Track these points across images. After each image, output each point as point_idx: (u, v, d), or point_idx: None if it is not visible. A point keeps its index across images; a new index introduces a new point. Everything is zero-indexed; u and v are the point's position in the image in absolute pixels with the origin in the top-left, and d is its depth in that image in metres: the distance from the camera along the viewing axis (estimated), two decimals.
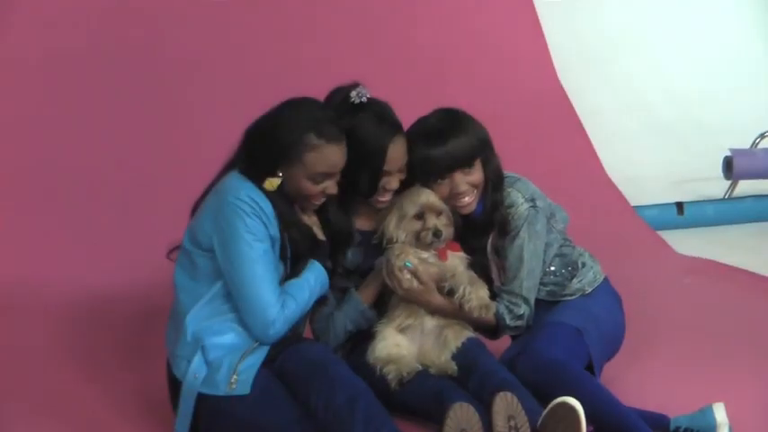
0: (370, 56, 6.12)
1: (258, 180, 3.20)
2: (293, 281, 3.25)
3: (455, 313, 3.42)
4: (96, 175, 5.38)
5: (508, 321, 3.46)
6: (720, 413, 3.18)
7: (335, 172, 3.27)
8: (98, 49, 5.64)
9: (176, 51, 5.78)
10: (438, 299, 3.42)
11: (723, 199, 6.58)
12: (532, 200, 3.46)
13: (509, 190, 3.49)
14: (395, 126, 3.43)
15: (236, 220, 3.13)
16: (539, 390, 3.16)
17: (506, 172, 3.56)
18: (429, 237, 3.39)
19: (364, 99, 3.40)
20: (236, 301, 3.18)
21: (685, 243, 5.80)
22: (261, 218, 3.14)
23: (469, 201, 3.47)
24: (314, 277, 3.28)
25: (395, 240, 3.42)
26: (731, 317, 4.52)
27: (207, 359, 3.16)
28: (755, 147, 6.72)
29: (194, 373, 3.15)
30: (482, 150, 3.46)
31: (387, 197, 3.47)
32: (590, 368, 3.37)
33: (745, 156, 6.51)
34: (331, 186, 3.27)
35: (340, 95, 3.44)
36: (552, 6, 7.18)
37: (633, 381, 3.68)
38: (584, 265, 3.62)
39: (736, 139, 6.74)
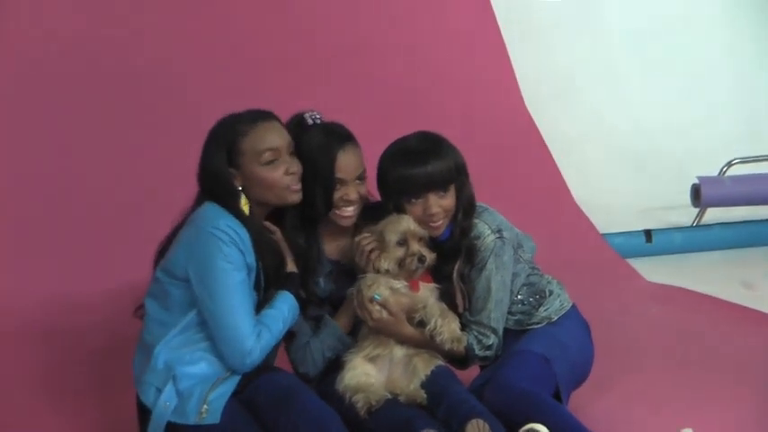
0: (335, 83, 6.13)
1: (231, 206, 3.21)
2: (268, 311, 3.24)
3: (425, 343, 3.42)
4: (63, 199, 5.35)
5: (477, 351, 3.45)
6: None
7: (280, 149, 3.27)
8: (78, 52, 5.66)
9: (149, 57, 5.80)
10: (408, 330, 3.41)
11: (691, 227, 6.62)
12: (499, 231, 3.47)
13: (475, 221, 3.49)
14: (344, 136, 3.47)
15: (214, 249, 3.12)
16: (507, 418, 3.16)
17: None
18: (414, 262, 3.39)
19: (318, 120, 3.46)
20: (212, 331, 3.17)
21: (654, 271, 5.82)
22: (238, 246, 3.14)
23: (439, 224, 3.46)
24: (287, 307, 3.28)
25: (378, 270, 3.42)
26: (699, 344, 4.54)
27: (178, 388, 3.15)
28: (723, 175, 6.76)
29: (165, 401, 3.14)
30: (458, 176, 3.47)
31: (350, 210, 3.48)
32: (557, 396, 3.38)
33: (713, 184, 6.55)
34: (290, 165, 3.27)
35: (295, 120, 3.48)
36: (521, 36, 7.22)
37: (602, 408, 3.68)
38: (551, 293, 3.62)
39: (703, 167, 6.78)
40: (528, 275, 3.60)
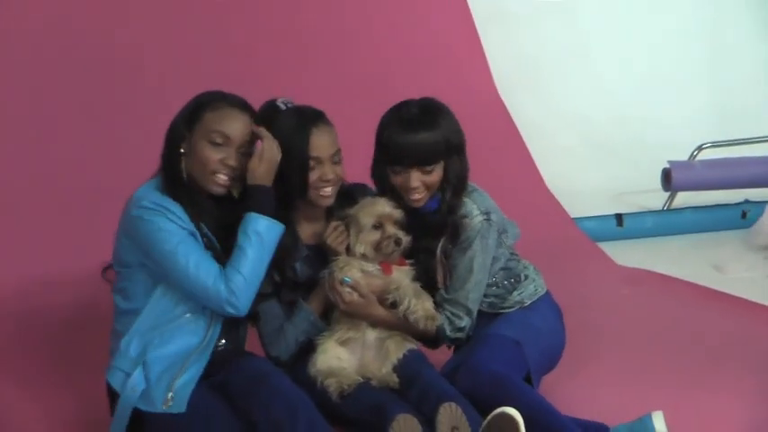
0: (306, 71, 6.13)
1: (167, 168, 3.24)
2: (234, 252, 3.21)
3: (398, 325, 3.42)
4: (32, 185, 5.34)
5: (448, 332, 3.47)
6: (659, 422, 3.19)
7: (232, 138, 3.24)
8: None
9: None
10: (380, 311, 3.42)
11: (662, 210, 6.64)
12: (487, 213, 3.46)
13: (465, 200, 3.48)
14: (316, 115, 3.45)
15: (145, 226, 3.14)
16: (479, 401, 3.17)
17: None
18: (390, 245, 3.40)
19: (290, 105, 3.44)
20: (188, 295, 3.19)
21: (625, 254, 5.84)
22: (167, 216, 3.14)
23: (419, 197, 3.46)
24: (253, 237, 3.20)
25: (354, 254, 3.42)
26: (670, 326, 4.56)
27: (147, 374, 3.15)
28: (693, 159, 6.79)
29: (132, 386, 3.14)
30: (447, 153, 3.44)
31: (328, 191, 3.46)
32: (528, 380, 3.39)
33: (683, 168, 6.57)
34: (230, 157, 3.23)
35: (267, 106, 3.46)
36: (492, 21, 7.21)
37: (573, 391, 3.69)
38: (526, 277, 3.63)
39: (674, 151, 6.80)
40: (507, 260, 3.60)
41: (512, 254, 3.64)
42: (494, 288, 3.58)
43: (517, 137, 6.67)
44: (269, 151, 3.29)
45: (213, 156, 3.23)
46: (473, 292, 3.46)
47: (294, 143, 3.37)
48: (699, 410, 3.58)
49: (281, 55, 6.19)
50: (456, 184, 3.47)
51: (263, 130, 3.31)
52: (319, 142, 3.40)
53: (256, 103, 3.42)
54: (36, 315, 4.65)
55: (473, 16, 7.02)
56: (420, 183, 3.43)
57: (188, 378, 3.14)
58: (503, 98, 6.85)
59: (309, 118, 3.43)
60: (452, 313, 3.46)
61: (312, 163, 3.40)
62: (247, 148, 3.28)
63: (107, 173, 5.33)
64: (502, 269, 3.59)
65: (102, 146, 5.52)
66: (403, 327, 3.43)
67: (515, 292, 3.60)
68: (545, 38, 7.82)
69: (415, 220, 3.49)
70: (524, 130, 6.79)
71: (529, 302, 3.59)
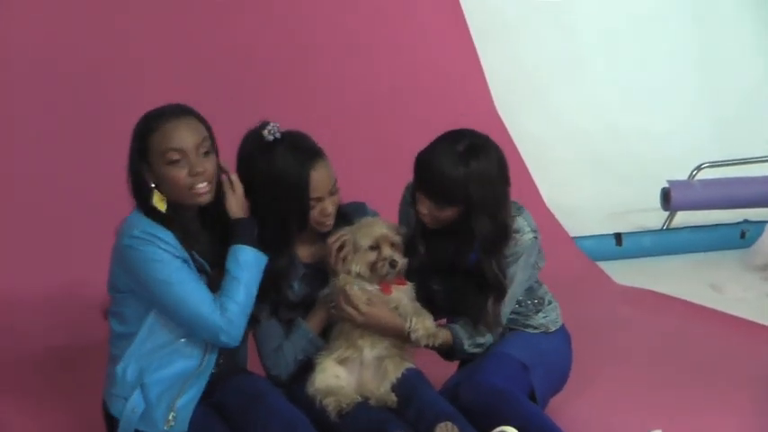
0: (303, 84, 6.12)
1: (143, 204, 3.16)
2: (225, 280, 3.18)
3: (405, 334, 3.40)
4: (33, 197, 5.31)
5: (466, 346, 3.45)
6: None
7: (186, 149, 3.14)
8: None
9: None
10: (396, 319, 3.39)
11: (661, 230, 6.64)
12: (536, 231, 3.45)
13: (516, 216, 3.42)
14: (312, 152, 3.38)
15: (137, 256, 3.09)
16: (479, 416, 3.17)
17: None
18: (385, 267, 3.39)
19: (278, 135, 3.35)
20: (181, 325, 3.15)
21: (624, 273, 5.84)
22: (158, 245, 3.09)
23: (427, 220, 3.40)
24: (243, 263, 3.19)
25: (350, 272, 3.41)
26: (669, 346, 4.56)
27: (146, 395, 3.14)
28: (692, 179, 6.79)
29: (132, 407, 3.13)
30: (465, 203, 3.30)
31: (329, 220, 3.45)
32: (532, 399, 3.38)
33: (683, 187, 6.57)
34: (195, 165, 3.14)
35: (252, 137, 3.39)
36: (490, 35, 7.20)
37: (573, 410, 3.69)
38: (549, 302, 3.64)
39: (673, 170, 6.81)
40: (533, 282, 3.61)
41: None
42: (517, 306, 3.56)
43: (515, 154, 6.65)
44: (237, 185, 3.29)
45: (180, 173, 3.14)
46: (506, 306, 3.45)
47: (292, 186, 3.32)
48: (697, 429, 3.58)
49: (278, 66, 6.16)
50: (487, 247, 3.37)
51: (225, 165, 3.28)
52: (318, 183, 3.36)
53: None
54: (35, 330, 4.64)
55: (470, 31, 7.01)
56: (428, 211, 3.36)
57: (188, 399, 3.13)
58: (501, 115, 6.84)
59: (305, 157, 3.35)
60: (476, 328, 3.46)
61: (313, 203, 3.38)
62: (206, 146, 3.19)
63: (109, 186, 5.26)
64: (526, 290, 3.58)
65: (104, 156, 5.47)
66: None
67: (540, 314, 3.59)
68: (543, 53, 7.82)
69: (455, 276, 3.45)
70: (522, 146, 6.78)
71: (553, 329, 3.60)
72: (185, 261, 3.14)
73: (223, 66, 6.00)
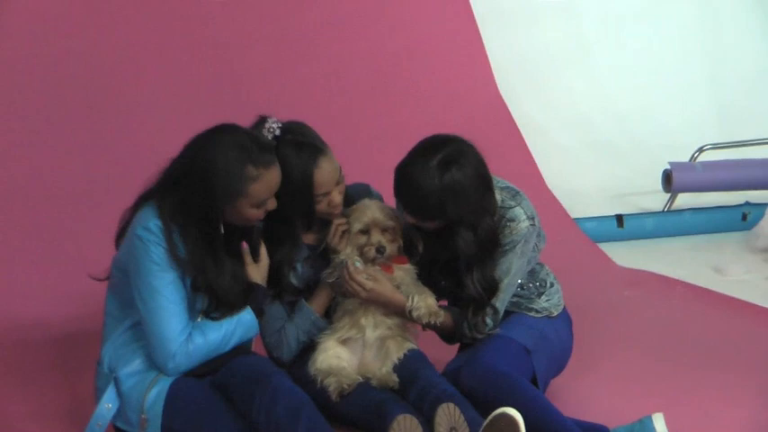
0: (309, 69, 6.10)
1: (189, 217, 3.12)
2: (214, 320, 3.20)
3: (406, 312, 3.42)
4: (28, 192, 5.25)
5: (467, 330, 3.46)
6: (660, 423, 3.19)
7: (275, 191, 3.21)
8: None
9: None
10: (399, 296, 3.41)
11: (662, 212, 6.64)
12: (533, 218, 3.44)
13: (512, 203, 3.43)
14: (315, 149, 3.37)
15: (141, 251, 3.10)
16: (480, 399, 3.18)
17: (505, 181, 3.53)
18: (372, 252, 3.41)
19: (277, 132, 3.32)
20: (144, 330, 3.16)
21: (625, 255, 5.84)
22: (166, 249, 3.09)
23: (418, 228, 3.44)
24: (238, 323, 3.22)
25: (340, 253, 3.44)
26: (670, 328, 4.56)
27: (119, 390, 3.16)
28: (694, 160, 6.79)
29: (106, 403, 3.16)
30: (438, 218, 3.34)
31: (338, 209, 3.46)
32: (533, 383, 3.38)
33: (684, 169, 6.56)
34: (271, 203, 3.21)
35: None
36: (492, 20, 7.20)
37: (574, 392, 3.70)
38: (551, 285, 3.64)
39: (674, 152, 6.80)
40: (535, 264, 3.61)
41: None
42: (519, 289, 3.57)
43: (518, 137, 6.66)
44: (264, 258, 3.36)
45: (259, 213, 3.19)
46: (504, 293, 3.45)
47: (298, 183, 3.32)
48: (699, 412, 3.58)
49: (281, 52, 6.16)
50: (470, 261, 3.39)
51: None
52: (324, 178, 3.37)
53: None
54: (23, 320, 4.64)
55: (475, 17, 7.00)
56: (413, 222, 3.40)
57: (156, 394, 3.13)
58: (504, 99, 6.83)
59: (309, 155, 3.34)
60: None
61: (320, 197, 3.39)
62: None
63: (113, 180, 5.26)
64: (528, 272, 3.59)
65: (109, 148, 5.47)
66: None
67: (543, 297, 3.60)
68: (546, 38, 7.81)
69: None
70: (524, 129, 6.78)
71: (556, 313, 3.60)
72: (181, 279, 3.13)
73: (225, 50, 5.99)
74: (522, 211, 3.43)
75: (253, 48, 6.04)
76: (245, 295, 3.27)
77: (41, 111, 5.42)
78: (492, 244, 3.39)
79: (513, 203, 3.44)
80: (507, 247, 3.41)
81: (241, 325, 3.23)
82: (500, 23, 7.35)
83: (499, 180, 3.51)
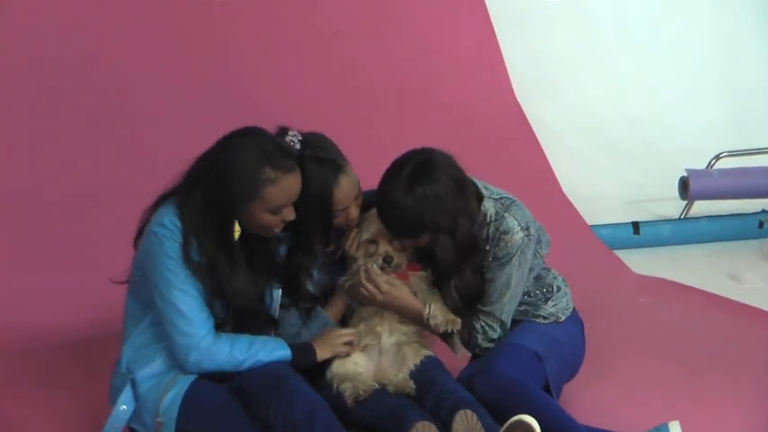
0: (325, 74, 6.11)
1: (206, 216, 3.14)
2: (248, 336, 3.22)
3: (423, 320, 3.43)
4: (42, 197, 5.23)
5: (480, 341, 3.47)
6: (676, 431, 3.19)
7: (290, 201, 3.21)
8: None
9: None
10: (415, 301, 3.43)
11: (679, 219, 6.62)
12: (527, 228, 3.43)
13: (505, 215, 3.42)
14: (335, 165, 3.37)
15: (157, 247, 3.11)
16: (494, 408, 3.18)
17: (501, 191, 3.53)
18: (379, 262, 3.42)
19: (298, 145, 3.31)
20: (164, 327, 3.16)
21: (642, 262, 5.83)
22: (181, 245, 3.10)
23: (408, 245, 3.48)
24: (270, 351, 3.21)
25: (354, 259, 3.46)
26: (686, 336, 4.55)
27: (136, 392, 3.17)
28: (711, 167, 6.77)
29: (122, 404, 3.16)
30: (423, 233, 3.36)
31: (354, 222, 3.49)
32: (546, 390, 3.38)
33: (701, 176, 6.55)
34: (289, 213, 3.21)
35: None
36: (509, 25, 7.19)
37: (589, 400, 3.69)
38: (558, 289, 3.63)
39: (691, 159, 6.79)
40: (540, 269, 3.61)
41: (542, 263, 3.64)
42: (525, 297, 3.57)
43: (535, 142, 6.65)
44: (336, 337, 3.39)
45: (275, 220, 3.19)
46: (508, 305, 3.46)
47: (317, 199, 3.33)
48: (715, 420, 3.58)
49: (294, 58, 6.16)
50: (451, 269, 3.42)
51: None
52: (343, 195, 3.38)
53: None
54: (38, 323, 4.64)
55: (491, 20, 7.00)
56: (404, 244, 3.43)
57: (172, 398, 3.13)
58: (520, 103, 6.83)
59: (329, 171, 3.34)
60: (487, 324, 3.46)
61: (338, 213, 3.40)
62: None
63: (123, 184, 5.26)
64: (534, 278, 3.58)
65: (115, 152, 5.46)
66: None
67: (550, 303, 3.59)
68: (561, 42, 7.80)
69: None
70: (541, 135, 6.77)
71: (563, 318, 3.59)
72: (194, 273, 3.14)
73: (235, 52, 5.99)
74: (515, 222, 3.41)
75: (264, 53, 6.04)
76: (259, 301, 3.28)
77: (45, 114, 5.40)
78: (470, 249, 3.40)
79: (506, 214, 3.43)
80: (504, 260, 3.41)
81: (271, 353, 3.22)
82: (515, 28, 7.34)
83: (493, 190, 3.52)
